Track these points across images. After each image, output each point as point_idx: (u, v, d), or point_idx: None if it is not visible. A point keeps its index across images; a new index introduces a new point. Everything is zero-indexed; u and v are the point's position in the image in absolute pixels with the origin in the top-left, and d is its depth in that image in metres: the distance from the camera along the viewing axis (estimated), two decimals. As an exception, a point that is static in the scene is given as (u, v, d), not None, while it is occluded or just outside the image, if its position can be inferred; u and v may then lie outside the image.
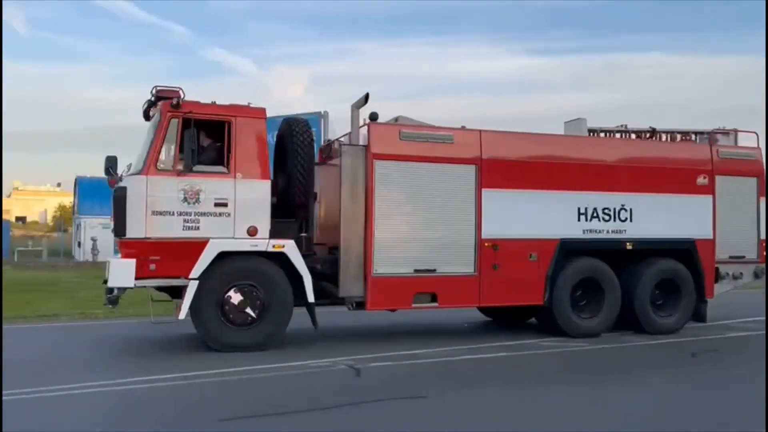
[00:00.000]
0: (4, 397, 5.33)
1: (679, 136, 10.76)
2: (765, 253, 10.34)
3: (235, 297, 7.58)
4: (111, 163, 7.52)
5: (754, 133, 10.80)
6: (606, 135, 10.55)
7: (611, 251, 9.61)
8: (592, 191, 9.44)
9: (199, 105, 7.69)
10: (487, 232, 8.81)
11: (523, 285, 9.00)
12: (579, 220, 9.32)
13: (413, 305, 8.55)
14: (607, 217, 9.48)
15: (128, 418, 5.26)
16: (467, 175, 8.77)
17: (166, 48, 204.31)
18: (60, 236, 37.50)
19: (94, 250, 30.39)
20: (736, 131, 10.79)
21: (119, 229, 7.25)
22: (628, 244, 9.61)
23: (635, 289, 9.58)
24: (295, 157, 8.15)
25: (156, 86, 7.75)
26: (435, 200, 8.60)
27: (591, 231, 9.40)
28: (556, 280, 9.12)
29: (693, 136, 10.83)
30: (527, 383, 6.63)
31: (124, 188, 7.33)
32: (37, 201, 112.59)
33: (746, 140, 10.75)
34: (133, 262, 7.23)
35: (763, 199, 10.32)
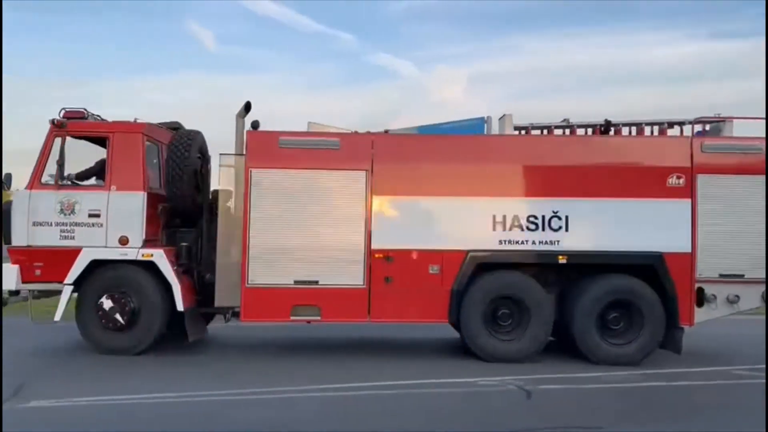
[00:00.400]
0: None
1: (648, 129, 8.81)
2: (778, 272, 8.06)
3: (107, 303, 8.05)
4: (7, 179, 8.45)
5: (763, 119, 8.46)
6: (542, 132, 9.07)
7: (540, 265, 8.30)
8: (512, 197, 8.25)
9: (82, 123, 8.37)
10: (379, 242, 8.18)
11: (423, 300, 8.16)
12: (494, 229, 8.19)
13: (292, 318, 8.24)
14: (532, 227, 8.20)
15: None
16: (356, 183, 8.23)
17: (333, 55, 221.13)
18: None
19: None
20: (731, 119, 8.56)
21: (6, 237, 8.17)
22: (560, 257, 8.17)
23: (574, 311, 8.14)
24: (170, 168, 8.41)
25: (63, 108, 8.56)
26: (319, 209, 8.22)
27: (510, 242, 8.20)
28: (465, 296, 8.13)
29: (673, 128, 8.80)
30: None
31: (10, 202, 8.24)
32: None
33: (751, 130, 8.48)
34: (17, 267, 8.11)
35: (773, 203, 8.07)
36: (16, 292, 8.42)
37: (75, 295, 8.26)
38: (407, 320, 8.48)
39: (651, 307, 8.10)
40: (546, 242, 8.19)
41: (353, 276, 8.18)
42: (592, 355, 8.13)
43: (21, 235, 8.12)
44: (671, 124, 8.75)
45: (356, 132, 8.70)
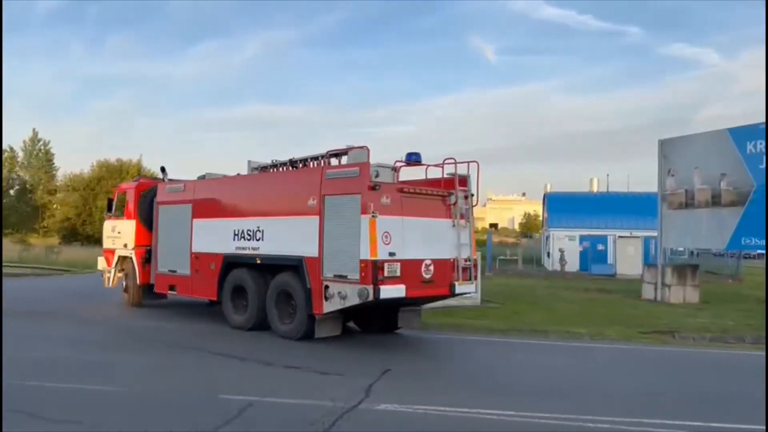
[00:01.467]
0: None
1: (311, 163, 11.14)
2: (367, 274, 9.67)
3: None
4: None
5: (364, 147, 9.93)
6: (265, 170, 12.27)
7: (252, 265, 11.95)
8: (240, 218, 12.27)
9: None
10: (195, 248, 13.35)
11: (208, 285, 12.90)
12: (234, 239, 12.30)
13: (169, 292, 14.14)
14: (249, 237, 11.98)
15: None
16: (187, 211, 13.58)
17: (621, 51, 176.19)
18: (529, 244, 43.87)
19: (562, 260, 33.96)
20: (350, 149, 10.15)
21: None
22: (257, 259, 11.78)
23: (264, 297, 11.60)
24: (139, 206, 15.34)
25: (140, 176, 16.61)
26: (178, 228, 13.85)
27: (240, 248, 12.19)
28: (224, 284, 12.49)
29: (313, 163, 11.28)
30: None
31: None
32: (506, 209, 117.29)
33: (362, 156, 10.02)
34: None
35: (365, 218, 9.75)
36: None
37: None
38: (203, 297, 13.37)
39: (300, 297, 10.86)
40: (253, 249, 11.89)
41: (187, 268, 13.56)
42: (276, 330, 11.41)
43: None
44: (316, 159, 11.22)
45: (204, 175, 14.03)
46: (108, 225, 16.64)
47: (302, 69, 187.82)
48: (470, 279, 11.04)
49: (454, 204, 10.95)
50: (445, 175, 11.11)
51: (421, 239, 10.34)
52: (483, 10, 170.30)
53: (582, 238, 36.87)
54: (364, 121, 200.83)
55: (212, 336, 11.67)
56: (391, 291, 9.73)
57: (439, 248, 10.64)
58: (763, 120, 17.20)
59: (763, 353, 10.69)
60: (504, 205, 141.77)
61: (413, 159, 10.93)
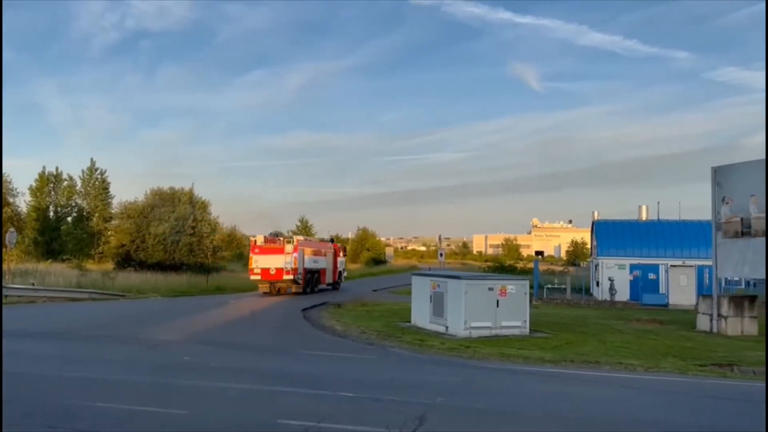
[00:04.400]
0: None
1: None
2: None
3: None
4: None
5: None
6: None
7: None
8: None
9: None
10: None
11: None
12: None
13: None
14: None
15: None
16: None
17: (668, 76, 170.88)
18: (577, 272, 42.82)
19: (612, 289, 32.96)
20: None
21: None
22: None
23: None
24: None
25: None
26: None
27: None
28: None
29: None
30: None
31: None
32: (553, 237, 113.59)
33: None
34: None
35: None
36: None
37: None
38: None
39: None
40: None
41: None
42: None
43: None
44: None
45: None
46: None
47: (346, 97, 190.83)
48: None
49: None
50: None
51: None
52: (525, 37, 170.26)
53: (632, 267, 36.04)
54: (407, 149, 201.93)
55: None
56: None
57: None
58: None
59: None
60: (550, 232, 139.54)
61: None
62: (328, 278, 36.37)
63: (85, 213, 54.88)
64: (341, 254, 39.81)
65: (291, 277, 30.47)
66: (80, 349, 12.67)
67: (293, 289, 31.58)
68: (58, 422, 6.57)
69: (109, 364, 11.17)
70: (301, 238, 34.82)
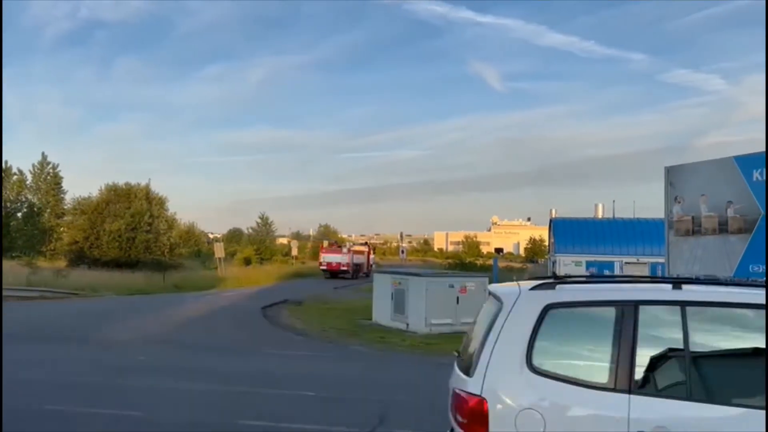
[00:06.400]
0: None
1: None
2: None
3: None
4: None
5: None
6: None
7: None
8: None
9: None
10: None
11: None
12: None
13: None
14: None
15: None
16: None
17: (624, 78, 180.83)
18: (535, 269, 44.23)
19: None
20: None
21: None
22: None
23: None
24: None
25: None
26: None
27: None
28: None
29: None
30: None
31: None
32: (512, 234, 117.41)
33: None
34: None
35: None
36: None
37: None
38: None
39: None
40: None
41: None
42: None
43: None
44: None
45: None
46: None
47: (308, 93, 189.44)
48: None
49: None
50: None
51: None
52: (486, 37, 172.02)
53: (588, 264, 36.85)
54: (369, 146, 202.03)
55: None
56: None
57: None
58: (768, 148, 17.37)
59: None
60: (509, 229, 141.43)
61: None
62: (364, 269, 49.38)
63: (36, 208, 53.15)
64: (372, 253, 55.80)
65: (345, 268, 45.77)
66: (30, 350, 12.23)
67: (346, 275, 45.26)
68: (4, 425, 6.32)
69: (60, 365, 10.84)
70: (350, 244, 55.51)
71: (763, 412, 3.20)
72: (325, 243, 51.16)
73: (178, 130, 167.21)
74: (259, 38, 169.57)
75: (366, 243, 61.01)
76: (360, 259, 50.02)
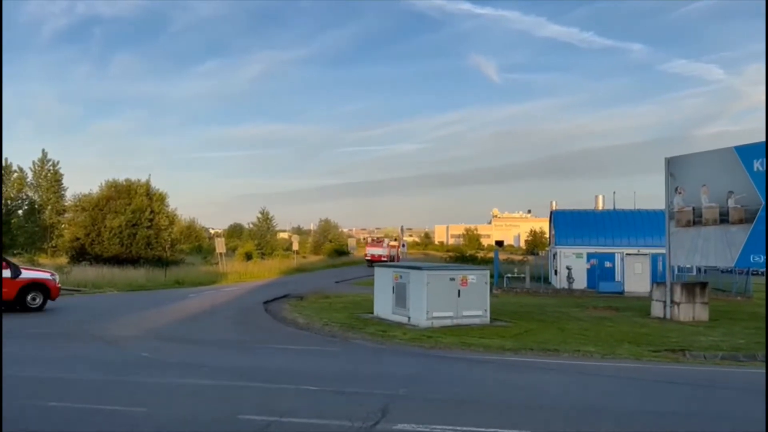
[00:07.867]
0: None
1: None
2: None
3: None
4: None
5: None
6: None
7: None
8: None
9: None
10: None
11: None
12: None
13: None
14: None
15: None
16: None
17: (624, 69, 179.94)
18: (536, 261, 43.91)
19: (570, 278, 33.74)
20: None
21: None
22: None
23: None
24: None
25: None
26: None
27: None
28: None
29: None
30: None
31: None
32: (512, 227, 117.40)
33: None
34: None
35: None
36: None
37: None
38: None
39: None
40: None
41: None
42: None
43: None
44: None
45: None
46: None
47: (305, 88, 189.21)
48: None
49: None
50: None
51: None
52: (485, 28, 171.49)
53: (589, 256, 36.83)
54: (368, 139, 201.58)
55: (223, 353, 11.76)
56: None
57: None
58: (770, 137, 17.34)
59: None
60: (510, 222, 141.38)
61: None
62: (397, 259, 58.05)
63: (36, 206, 53.11)
64: (403, 246, 70.50)
65: (385, 259, 54.03)
66: (33, 347, 12.27)
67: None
68: (7, 423, 6.34)
69: (64, 362, 10.87)
70: (387, 240, 66.02)
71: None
72: (369, 238, 68.27)
73: (176, 126, 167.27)
74: (256, 33, 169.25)
75: (396, 238, 76.42)
76: (393, 251, 61.55)
